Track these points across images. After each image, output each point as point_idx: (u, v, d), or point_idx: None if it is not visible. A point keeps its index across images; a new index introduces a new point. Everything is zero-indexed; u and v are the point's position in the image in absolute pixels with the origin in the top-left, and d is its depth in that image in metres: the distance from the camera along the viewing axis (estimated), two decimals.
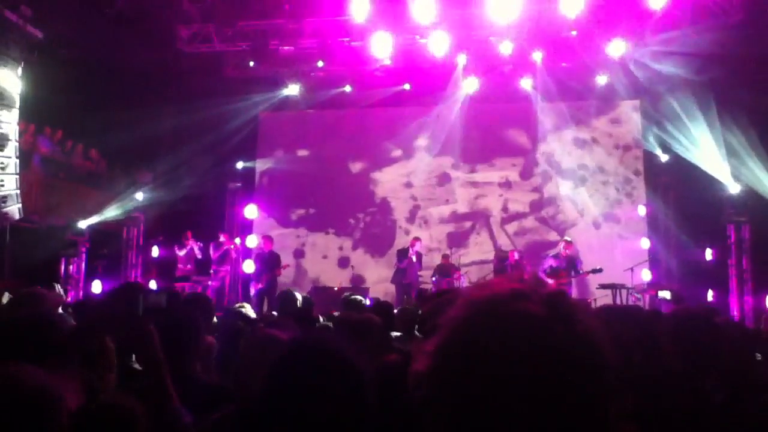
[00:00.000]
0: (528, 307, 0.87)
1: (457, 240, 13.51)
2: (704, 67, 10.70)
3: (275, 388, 1.51)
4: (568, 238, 11.66)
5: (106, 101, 11.08)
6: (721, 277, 11.39)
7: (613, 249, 12.66)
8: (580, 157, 13.45)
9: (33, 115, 10.45)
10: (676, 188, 12.50)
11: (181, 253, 12.24)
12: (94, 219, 11.55)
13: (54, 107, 10.74)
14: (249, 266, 11.97)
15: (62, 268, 11.01)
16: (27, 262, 9.48)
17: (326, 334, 2.69)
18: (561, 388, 0.82)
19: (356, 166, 14.19)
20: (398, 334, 4.21)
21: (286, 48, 12.03)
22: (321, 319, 5.21)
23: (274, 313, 6.11)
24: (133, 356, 2.52)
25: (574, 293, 11.23)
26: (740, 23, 10.38)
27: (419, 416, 0.91)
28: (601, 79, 12.36)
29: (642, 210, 12.86)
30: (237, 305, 5.19)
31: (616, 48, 10.88)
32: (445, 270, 11.49)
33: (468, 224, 13.66)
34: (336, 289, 11.88)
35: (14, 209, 9.33)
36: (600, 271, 10.73)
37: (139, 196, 12.65)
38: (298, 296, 5.70)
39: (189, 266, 12.28)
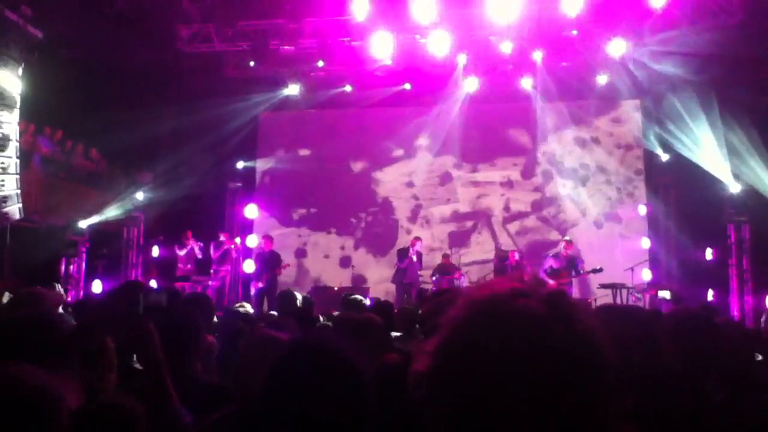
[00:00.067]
0: (528, 307, 0.87)
1: (459, 239, 13.52)
2: (705, 66, 10.70)
3: (275, 388, 1.51)
4: (569, 238, 11.67)
5: (106, 101, 11.08)
6: (722, 277, 11.39)
7: (614, 249, 12.66)
8: (582, 156, 13.45)
9: (33, 115, 10.45)
10: (676, 188, 12.50)
11: (182, 252, 12.24)
12: (94, 219, 11.55)
13: (54, 107, 10.74)
14: (249, 266, 11.98)
15: (62, 267, 11.02)
16: (27, 262, 9.48)
17: (326, 334, 2.69)
18: (561, 388, 0.82)
19: (357, 166, 14.19)
20: (398, 334, 4.22)
21: (286, 48, 12.03)
22: (321, 318, 5.21)
23: (274, 312, 6.11)
24: (134, 356, 2.52)
25: (575, 293, 11.24)
26: (740, 23, 10.37)
27: (419, 416, 0.91)
28: (602, 79, 12.35)
29: (642, 209, 12.86)
30: (237, 305, 5.19)
31: (617, 47, 10.87)
32: (446, 269, 11.49)
33: (469, 224, 13.66)
34: (336, 288, 11.88)
35: (14, 209, 9.34)
36: (600, 270, 10.73)
37: (140, 195, 12.65)
38: (298, 296, 5.70)
39: (189, 266, 12.29)
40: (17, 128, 9.49)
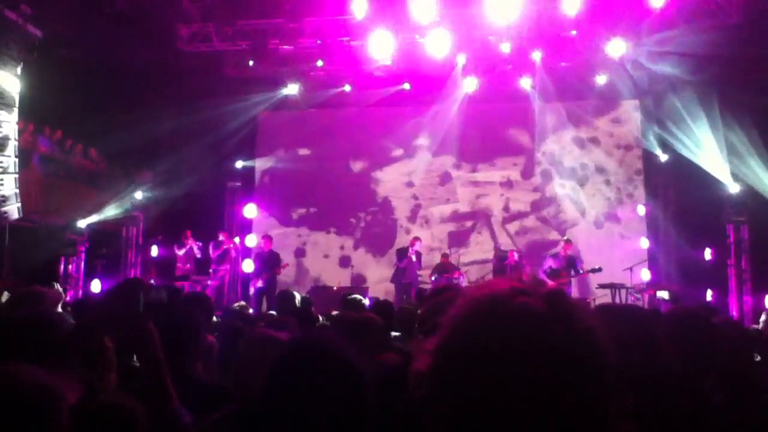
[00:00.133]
0: (528, 306, 0.87)
1: (458, 239, 13.52)
2: (704, 66, 10.71)
3: (275, 388, 1.51)
4: (568, 238, 11.68)
5: (106, 100, 11.07)
6: (721, 277, 11.41)
7: (613, 249, 12.67)
8: (581, 156, 13.46)
9: (32, 114, 10.44)
10: (675, 188, 12.51)
11: (181, 252, 12.24)
12: (93, 218, 11.55)
13: (53, 106, 10.73)
14: (248, 265, 11.97)
15: (62, 267, 11.01)
16: (26, 261, 9.48)
17: (326, 334, 2.69)
18: (561, 387, 0.82)
19: (357, 166, 14.19)
20: (397, 333, 4.22)
21: (285, 47, 12.02)
22: (320, 318, 5.21)
23: (273, 312, 6.11)
24: (134, 356, 2.52)
25: (574, 293, 11.24)
26: (739, 23, 10.38)
27: (419, 416, 0.91)
28: (602, 79, 12.35)
29: (641, 210, 12.87)
30: (236, 304, 5.19)
31: (616, 48, 10.87)
32: (445, 269, 11.49)
33: (469, 223, 13.67)
34: (335, 288, 11.87)
35: (14, 209, 9.33)
36: (599, 270, 10.75)
37: (139, 195, 12.65)
38: (297, 296, 5.71)
39: (188, 265, 12.28)
40: (16, 127, 9.48)
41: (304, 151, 14.31)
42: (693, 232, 11.60)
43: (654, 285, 10.93)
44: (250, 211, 13.67)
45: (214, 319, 4.81)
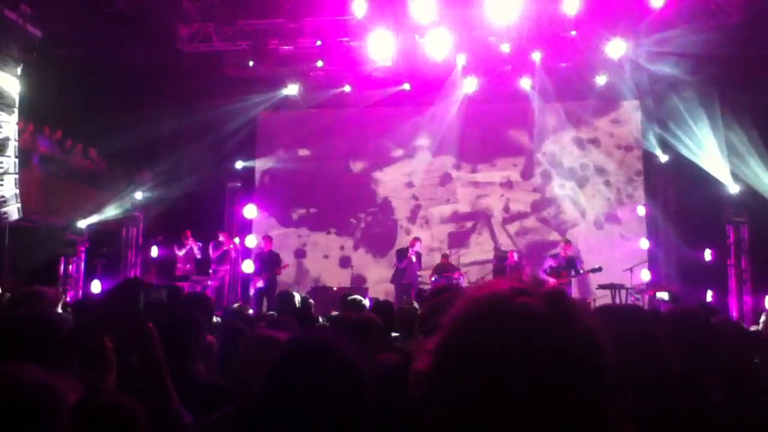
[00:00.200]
0: (528, 306, 0.87)
1: (459, 240, 13.52)
2: (704, 66, 10.71)
3: (275, 388, 1.51)
4: (567, 239, 11.69)
5: (106, 101, 11.07)
6: (721, 278, 11.42)
7: (614, 249, 12.67)
8: (582, 157, 13.46)
9: (32, 114, 10.43)
10: (675, 188, 12.51)
11: (181, 252, 12.23)
12: (93, 218, 11.55)
13: (53, 107, 10.73)
14: (248, 266, 11.97)
15: (62, 267, 11.01)
16: (26, 262, 9.48)
17: (326, 334, 2.69)
18: (561, 387, 0.82)
19: (357, 166, 14.19)
20: (397, 334, 4.21)
21: (285, 48, 12.02)
22: (320, 319, 5.21)
23: (273, 313, 6.12)
24: (134, 356, 2.52)
25: (574, 294, 11.24)
26: (739, 24, 10.38)
27: (419, 416, 0.91)
28: (602, 80, 12.36)
29: (641, 210, 12.87)
30: (235, 305, 5.19)
31: (616, 48, 10.88)
32: (445, 270, 11.48)
33: (469, 224, 13.66)
34: (335, 288, 11.87)
35: (14, 209, 9.33)
36: (600, 270, 10.75)
37: (139, 195, 12.64)
38: (297, 296, 5.71)
39: (188, 266, 12.27)
40: (16, 128, 9.48)
41: (304, 152, 14.31)
42: (693, 232, 11.60)
43: (654, 285, 10.93)
44: (250, 211, 13.67)
45: (216, 319, 4.81)
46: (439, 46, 11.03)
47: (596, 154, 13.40)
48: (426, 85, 12.94)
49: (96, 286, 10.81)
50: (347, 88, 13.27)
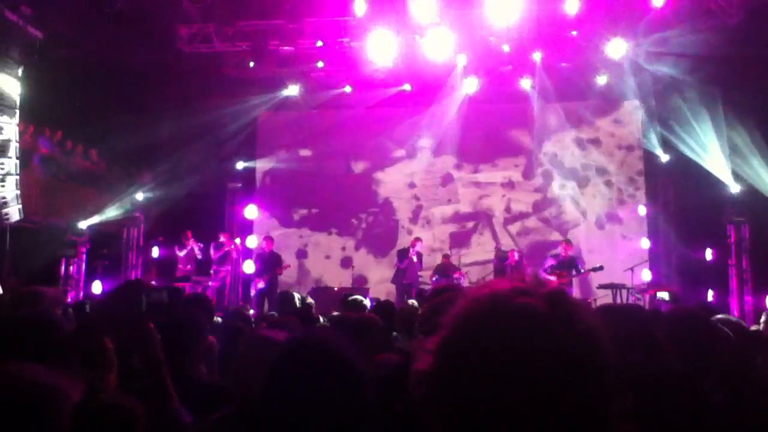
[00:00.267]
0: (529, 306, 0.87)
1: (460, 240, 13.53)
2: (705, 66, 10.70)
3: (275, 388, 1.51)
4: (568, 239, 11.69)
5: (106, 101, 11.07)
6: (722, 277, 11.41)
7: (615, 249, 12.68)
8: (583, 157, 13.47)
9: (33, 115, 10.43)
10: (676, 188, 12.51)
11: (182, 253, 12.23)
12: (94, 219, 11.55)
13: (54, 108, 10.73)
14: (249, 266, 11.98)
15: (62, 268, 11.01)
16: (27, 263, 9.48)
17: (326, 334, 2.69)
18: (561, 387, 0.82)
19: (358, 167, 14.20)
20: (396, 334, 4.21)
21: (286, 48, 12.02)
22: (321, 319, 5.21)
23: (274, 313, 6.12)
24: (134, 356, 2.52)
25: (575, 293, 11.24)
26: (739, 24, 10.37)
27: (419, 416, 0.91)
28: (603, 80, 12.36)
29: (642, 210, 12.87)
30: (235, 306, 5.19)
31: (617, 48, 10.88)
32: (446, 270, 11.49)
33: (471, 224, 13.67)
34: (336, 289, 11.87)
35: (14, 211, 9.33)
36: (601, 269, 10.74)
37: (139, 196, 12.65)
38: (297, 297, 5.71)
39: (189, 266, 12.27)
40: (16, 129, 9.48)
41: (305, 152, 14.31)
42: (694, 232, 11.60)
43: (655, 285, 10.93)
44: (251, 212, 13.67)
45: (218, 319, 4.81)
46: (439, 46, 11.03)
47: (597, 154, 13.41)
48: (426, 86, 12.94)
49: (97, 287, 10.81)
50: (348, 89, 13.28)
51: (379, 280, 13.05)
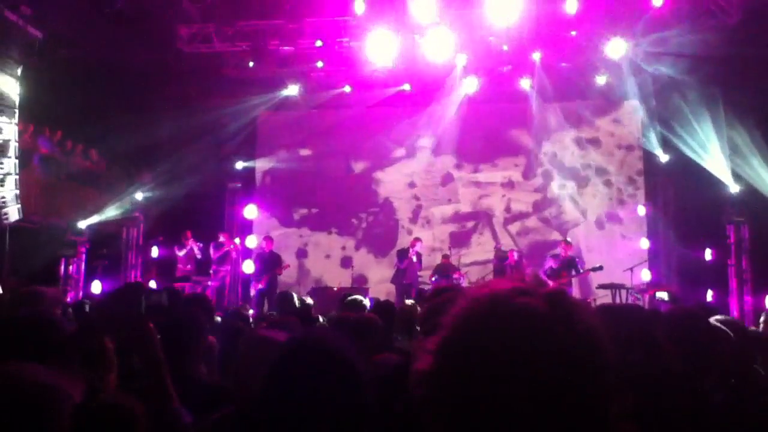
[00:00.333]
0: (529, 306, 0.87)
1: (460, 240, 13.53)
2: (705, 66, 10.70)
3: (274, 388, 1.51)
4: (568, 240, 11.70)
5: (106, 101, 11.06)
6: (721, 277, 11.41)
7: (614, 249, 12.68)
8: (583, 156, 13.47)
9: (32, 115, 10.43)
10: (676, 188, 12.52)
11: (181, 253, 12.23)
12: (93, 219, 11.55)
13: (53, 107, 10.72)
14: (249, 266, 11.97)
15: (62, 268, 11.01)
16: (27, 262, 9.47)
17: (326, 334, 2.69)
18: (561, 387, 0.82)
19: (358, 166, 14.20)
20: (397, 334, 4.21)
21: (285, 48, 12.02)
22: (321, 319, 5.21)
23: (273, 313, 6.12)
24: (134, 356, 2.52)
25: (575, 293, 11.24)
26: (739, 24, 10.38)
27: (419, 416, 0.91)
28: (603, 79, 12.36)
29: (642, 210, 12.88)
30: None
31: (616, 48, 10.88)
32: (445, 270, 11.49)
33: (471, 224, 13.67)
34: (336, 289, 11.87)
35: (14, 210, 9.32)
36: (600, 268, 10.75)
37: (139, 196, 12.65)
38: (296, 297, 5.71)
39: (189, 266, 12.27)
40: (16, 129, 9.48)
41: (304, 152, 14.31)
42: (693, 232, 11.61)
43: (654, 285, 10.93)
44: (251, 211, 13.67)
45: (218, 319, 4.81)
46: (439, 46, 11.03)
47: (597, 154, 13.41)
48: (426, 86, 12.94)
49: (96, 287, 10.81)
50: (347, 89, 13.28)
51: (379, 280, 13.05)
